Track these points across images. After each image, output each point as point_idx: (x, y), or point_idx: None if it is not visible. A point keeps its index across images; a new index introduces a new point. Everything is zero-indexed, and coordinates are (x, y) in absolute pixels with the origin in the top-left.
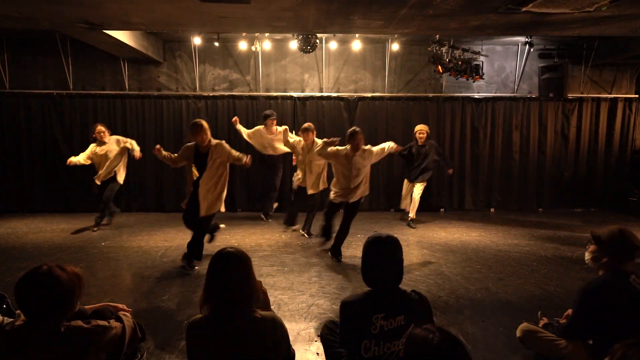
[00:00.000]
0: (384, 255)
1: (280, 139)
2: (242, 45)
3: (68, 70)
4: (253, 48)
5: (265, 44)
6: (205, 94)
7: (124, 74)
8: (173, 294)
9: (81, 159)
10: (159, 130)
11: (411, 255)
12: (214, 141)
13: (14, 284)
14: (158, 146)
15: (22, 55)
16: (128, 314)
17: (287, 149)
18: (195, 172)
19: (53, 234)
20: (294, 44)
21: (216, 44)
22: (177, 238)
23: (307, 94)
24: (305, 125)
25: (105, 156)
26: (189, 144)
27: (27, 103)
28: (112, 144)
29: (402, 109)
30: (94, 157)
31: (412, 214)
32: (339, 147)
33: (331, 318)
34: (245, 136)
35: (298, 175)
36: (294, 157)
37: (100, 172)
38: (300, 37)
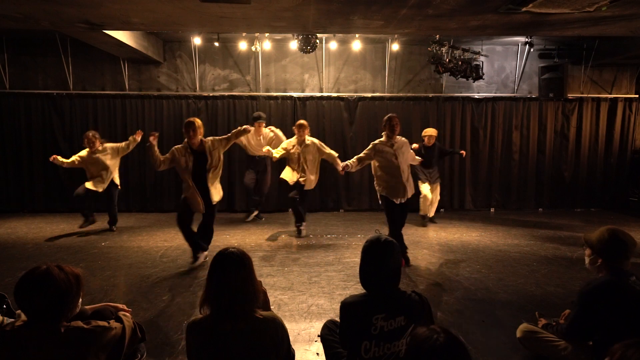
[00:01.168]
0: (380, 259)
1: (263, 143)
2: (242, 46)
3: (68, 70)
4: (253, 48)
5: (265, 44)
6: (205, 94)
7: (124, 74)
8: (173, 294)
9: (67, 160)
10: (159, 131)
11: (411, 255)
12: (206, 138)
13: (14, 284)
14: (154, 136)
15: (22, 55)
16: (128, 314)
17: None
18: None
19: (53, 234)
20: (294, 44)
21: (216, 44)
22: (177, 238)
23: (307, 94)
24: (302, 121)
25: (99, 163)
26: (177, 146)
27: (27, 103)
28: (107, 152)
29: (402, 109)
30: (86, 162)
31: (432, 213)
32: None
33: (331, 318)
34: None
35: (291, 173)
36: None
37: (97, 178)
38: (300, 37)
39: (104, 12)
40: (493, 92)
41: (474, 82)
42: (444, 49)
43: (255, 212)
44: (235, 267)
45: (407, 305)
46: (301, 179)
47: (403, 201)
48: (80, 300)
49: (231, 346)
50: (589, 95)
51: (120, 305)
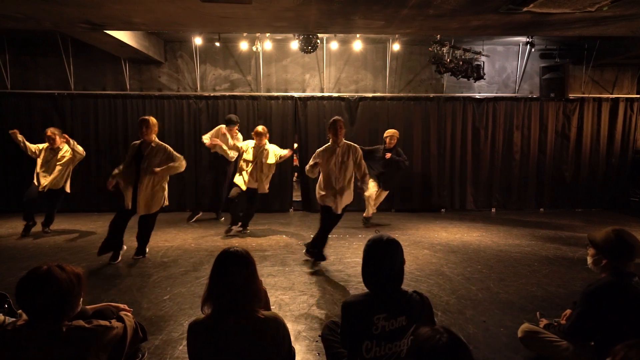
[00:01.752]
0: (383, 258)
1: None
2: (243, 46)
3: (69, 71)
4: (254, 48)
5: (266, 44)
6: (206, 94)
7: (125, 74)
8: (174, 294)
9: (27, 144)
10: (160, 130)
11: (412, 255)
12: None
13: (15, 284)
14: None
15: (23, 55)
16: (129, 314)
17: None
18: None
19: (55, 234)
20: (295, 44)
21: (217, 44)
22: (178, 238)
23: (308, 94)
24: (260, 129)
25: (55, 160)
26: (136, 142)
27: (29, 103)
28: (66, 150)
29: (403, 109)
30: (42, 155)
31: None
32: (320, 149)
33: (332, 318)
34: (207, 139)
35: (244, 177)
36: (295, 157)
37: (48, 176)
38: (302, 37)
39: (105, 12)
40: (494, 92)
41: (475, 82)
42: (445, 49)
43: (200, 215)
44: (239, 266)
45: (408, 305)
46: (255, 185)
47: (339, 212)
48: (82, 299)
49: (232, 345)
50: (590, 96)
51: (122, 305)
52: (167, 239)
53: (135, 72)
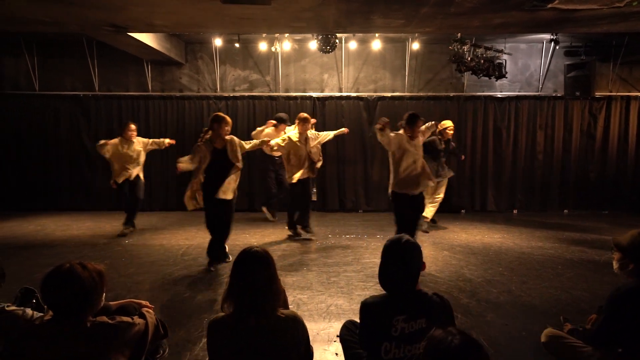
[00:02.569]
0: (399, 259)
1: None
2: (262, 46)
3: (94, 72)
4: (273, 49)
5: (285, 45)
6: (226, 94)
7: (147, 76)
8: (195, 292)
9: (107, 147)
10: (180, 130)
11: (431, 257)
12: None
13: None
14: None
15: (50, 58)
16: (151, 311)
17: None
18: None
19: (79, 232)
20: (313, 44)
21: (237, 45)
22: (198, 237)
23: (327, 94)
24: (306, 115)
25: (129, 156)
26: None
27: (55, 104)
28: (139, 144)
29: (422, 108)
30: (115, 154)
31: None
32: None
33: (350, 318)
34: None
35: (296, 169)
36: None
37: (126, 170)
38: (320, 37)
39: (128, 15)
40: (516, 91)
41: (496, 80)
42: (465, 48)
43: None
44: (260, 266)
45: (429, 307)
46: (306, 174)
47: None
48: (104, 295)
49: (252, 344)
50: (618, 94)
51: (144, 302)
52: (188, 237)
53: (157, 73)
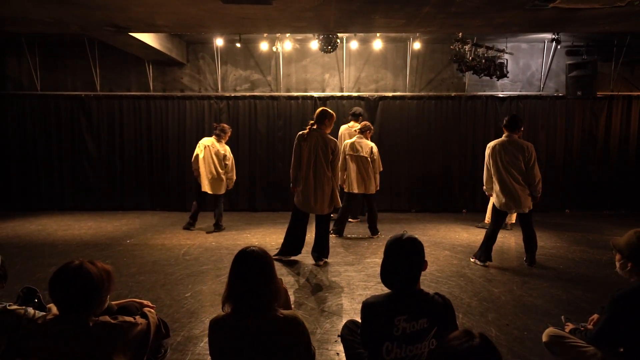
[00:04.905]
0: (403, 257)
1: None
2: (264, 46)
3: (96, 73)
4: (274, 48)
5: (286, 45)
6: (227, 94)
7: (149, 76)
8: (195, 291)
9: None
10: (181, 130)
11: (432, 256)
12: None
13: (45, 279)
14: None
15: (52, 59)
16: (152, 311)
17: None
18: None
19: (81, 231)
20: (314, 44)
21: (238, 45)
22: (199, 237)
23: (328, 93)
24: (366, 124)
25: (219, 160)
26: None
27: (57, 104)
28: (228, 150)
29: (423, 108)
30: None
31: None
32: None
33: (352, 318)
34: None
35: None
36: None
37: (228, 176)
38: (321, 37)
39: (129, 15)
40: (518, 91)
41: (498, 80)
42: (467, 47)
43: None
44: (257, 266)
45: (430, 307)
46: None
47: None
48: (109, 295)
49: (253, 344)
50: (620, 94)
51: (145, 302)
52: (189, 237)
53: (159, 73)
